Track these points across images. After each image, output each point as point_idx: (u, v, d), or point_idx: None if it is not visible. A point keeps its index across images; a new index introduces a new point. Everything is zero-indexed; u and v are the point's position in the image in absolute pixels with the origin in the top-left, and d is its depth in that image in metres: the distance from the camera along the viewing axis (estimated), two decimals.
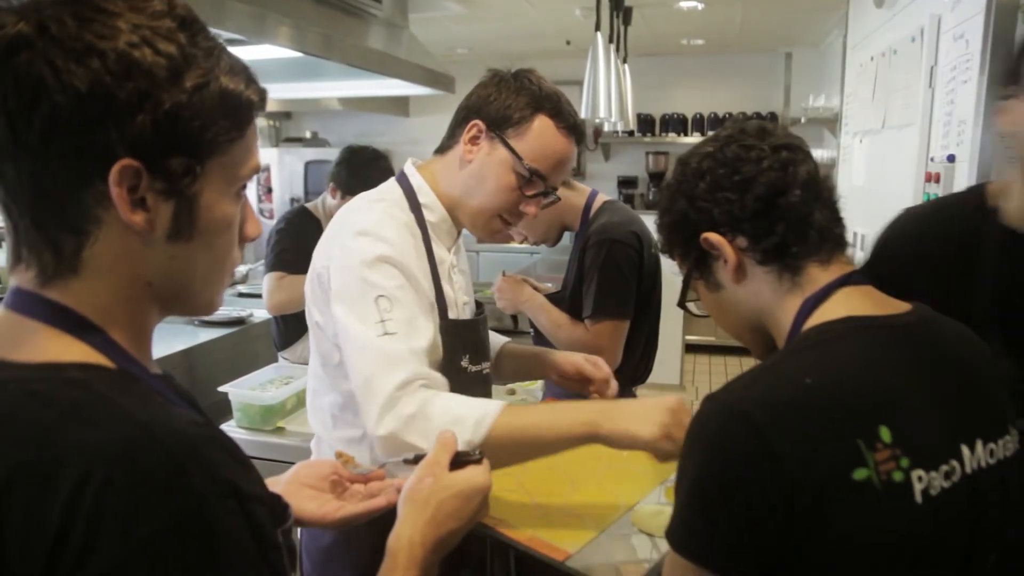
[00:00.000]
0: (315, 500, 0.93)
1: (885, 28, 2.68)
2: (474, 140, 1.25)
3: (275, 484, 0.92)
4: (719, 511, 0.71)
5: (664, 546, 0.84)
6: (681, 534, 0.74)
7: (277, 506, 0.68)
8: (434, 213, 1.28)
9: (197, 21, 0.62)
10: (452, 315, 1.27)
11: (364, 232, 1.16)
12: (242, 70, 0.64)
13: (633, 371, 1.91)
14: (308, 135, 6.53)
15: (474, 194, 1.27)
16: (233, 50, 2.18)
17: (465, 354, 1.28)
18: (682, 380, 5.21)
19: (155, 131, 0.57)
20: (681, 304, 1.02)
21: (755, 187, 0.86)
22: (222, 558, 0.54)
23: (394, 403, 1.04)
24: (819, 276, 0.86)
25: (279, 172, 5.96)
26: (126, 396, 0.57)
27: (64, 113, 0.55)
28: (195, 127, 0.60)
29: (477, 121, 1.25)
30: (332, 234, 1.22)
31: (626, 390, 1.98)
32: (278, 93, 3.86)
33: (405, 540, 0.78)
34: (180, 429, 0.56)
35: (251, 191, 5.88)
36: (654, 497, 1.23)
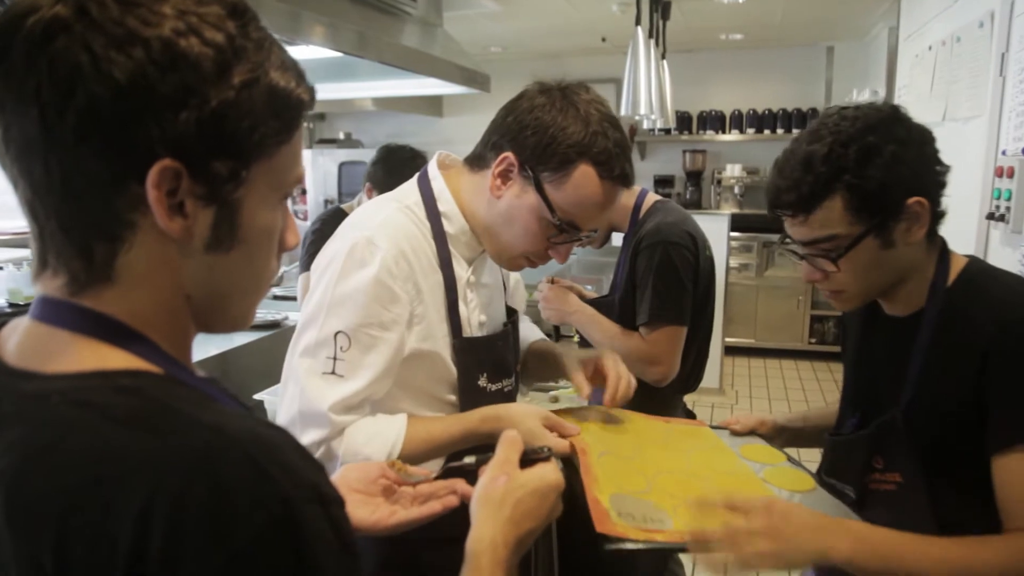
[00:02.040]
0: (366, 505, 0.89)
1: (946, 15, 2.56)
2: (504, 176, 1.11)
3: None
4: None
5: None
6: None
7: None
8: (453, 224, 1.17)
9: (248, 9, 0.56)
10: (466, 333, 1.18)
11: (359, 241, 1.08)
12: (292, 65, 0.59)
13: (684, 380, 1.82)
14: (342, 136, 6.55)
15: (500, 232, 1.15)
16: None
17: (482, 372, 1.20)
18: (722, 383, 5.08)
19: (199, 130, 0.52)
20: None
21: (940, 163, 1.04)
22: (313, 564, 0.50)
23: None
24: (938, 239, 1.09)
25: (313, 173, 5.98)
26: (184, 401, 0.53)
27: (101, 106, 0.50)
28: (243, 127, 0.54)
29: (509, 154, 1.10)
30: (337, 234, 1.15)
31: (676, 399, 1.90)
32: None
33: (488, 542, 0.75)
34: (255, 431, 0.52)
35: None
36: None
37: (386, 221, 1.11)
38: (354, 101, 5.64)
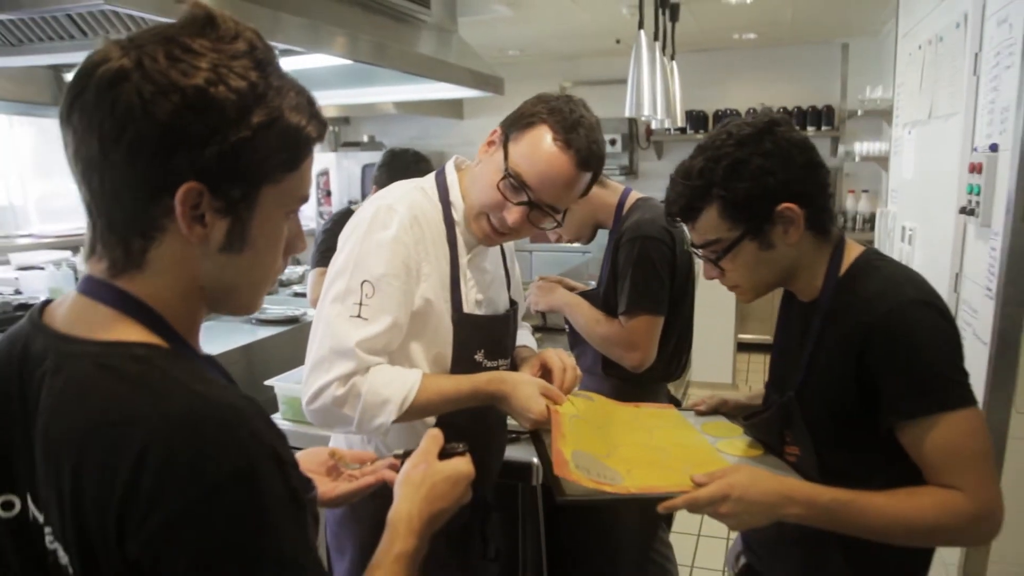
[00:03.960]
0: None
1: (934, 15, 2.63)
2: (491, 143, 1.31)
3: None
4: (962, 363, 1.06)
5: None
6: (960, 392, 1.04)
7: (303, 477, 0.77)
8: (458, 212, 1.35)
9: (273, 61, 0.70)
10: (466, 310, 1.34)
11: (381, 207, 1.27)
12: (307, 105, 0.72)
13: (665, 367, 1.94)
14: (365, 139, 6.71)
15: (471, 191, 1.33)
16: (288, 60, 2.32)
17: (479, 349, 1.36)
18: (735, 379, 5.17)
19: (220, 161, 0.66)
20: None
21: (821, 169, 1.15)
22: (267, 511, 0.63)
23: (327, 386, 1.21)
24: (833, 235, 1.19)
25: (337, 176, 6.15)
26: (182, 372, 0.67)
27: (147, 139, 0.64)
28: (255, 160, 0.68)
29: (498, 128, 1.31)
30: (364, 205, 1.33)
31: (659, 386, 2.02)
32: (336, 99, 3.99)
33: (404, 513, 0.89)
34: (230, 400, 0.66)
35: (310, 195, 6.10)
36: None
37: (404, 195, 1.31)
38: (376, 105, 5.78)
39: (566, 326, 2.03)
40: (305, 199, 0.76)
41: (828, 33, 5.65)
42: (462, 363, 1.34)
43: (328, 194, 6.03)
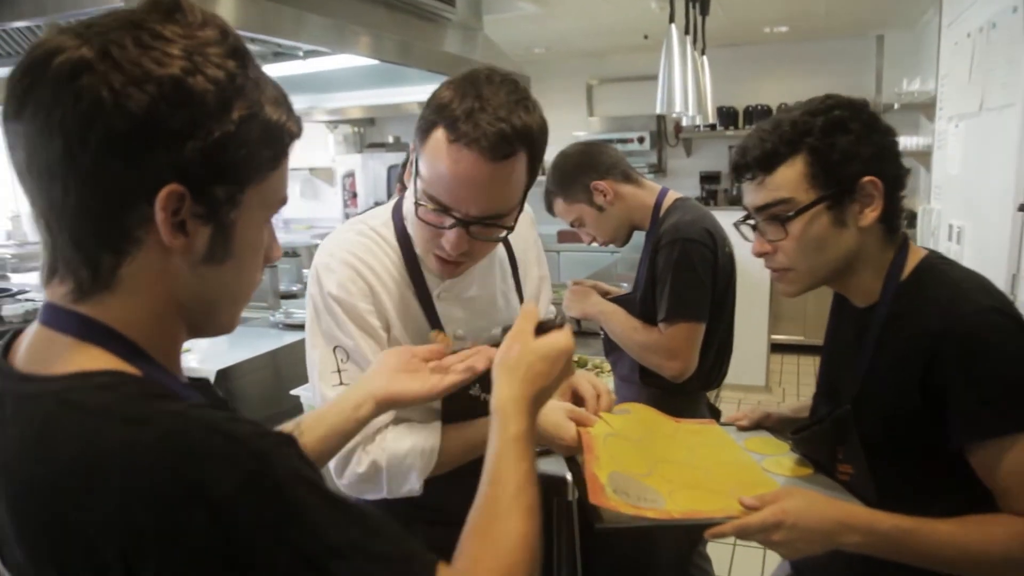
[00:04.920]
0: (416, 379, 1.00)
1: (982, 0, 2.52)
2: (407, 166, 1.14)
3: (361, 383, 1.01)
4: None
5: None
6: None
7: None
8: (416, 244, 1.18)
9: (247, 52, 0.63)
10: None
11: (318, 266, 1.16)
12: (284, 100, 0.66)
13: (706, 376, 1.86)
14: (390, 140, 6.69)
15: (409, 228, 1.17)
16: (314, 61, 2.27)
17: (474, 383, 1.16)
18: (768, 381, 5.04)
19: (203, 158, 0.59)
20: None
21: (902, 164, 1.09)
22: (296, 497, 0.56)
23: (347, 461, 1.12)
24: (898, 236, 1.11)
25: (363, 177, 6.13)
26: (155, 398, 0.59)
27: (119, 136, 0.56)
28: (240, 157, 0.61)
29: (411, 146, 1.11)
30: (317, 253, 1.20)
31: (698, 395, 1.93)
32: (361, 100, 3.98)
33: (507, 398, 0.85)
34: (214, 414, 0.58)
35: (336, 197, 6.09)
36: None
37: (339, 245, 1.17)
38: (402, 105, 5.73)
39: (601, 331, 1.96)
40: (285, 201, 0.70)
41: (862, 25, 5.50)
42: (456, 401, 1.15)
43: (354, 196, 6.02)
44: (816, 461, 1.18)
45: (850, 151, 1.04)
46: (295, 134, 0.67)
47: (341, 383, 1.14)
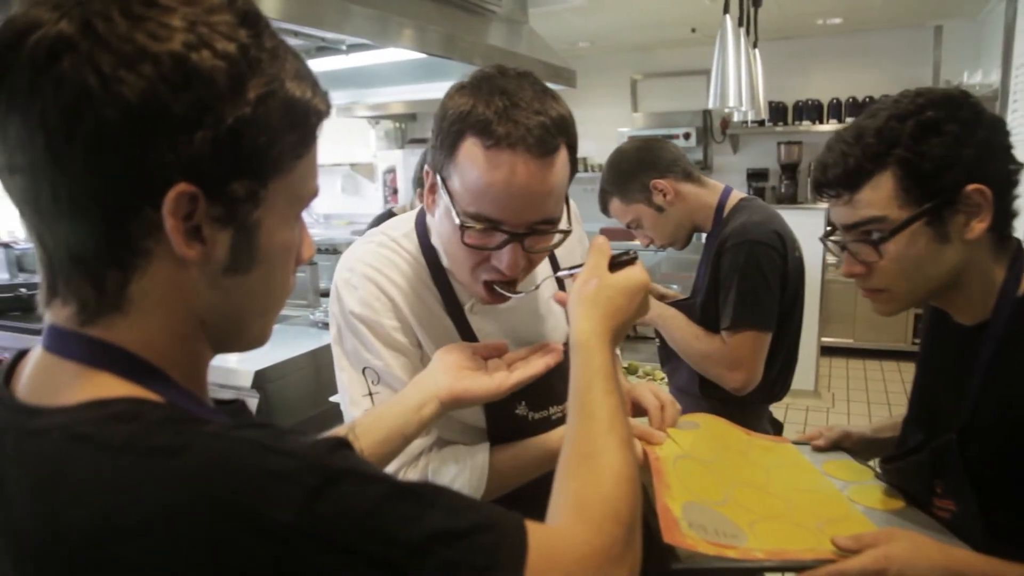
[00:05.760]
0: (482, 376, 0.95)
1: None
2: (432, 189, 0.99)
3: (423, 381, 0.95)
4: None
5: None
6: None
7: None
8: (443, 257, 1.07)
9: (261, 17, 0.54)
10: None
11: (339, 283, 1.07)
12: (308, 74, 0.57)
13: (770, 388, 1.74)
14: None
15: (445, 253, 1.04)
16: (358, 54, 2.18)
17: (519, 401, 1.11)
18: (817, 386, 4.87)
19: (216, 151, 0.49)
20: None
21: (1012, 159, 0.95)
22: (368, 505, 0.49)
23: None
24: (1012, 243, 0.98)
25: (404, 173, 6.11)
26: (185, 423, 0.50)
27: (111, 129, 0.47)
28: (260, 145, 0.52)
29: (427, 168, 0.98)
30: (337, 269, 1.12)
31: (761, 409, 1.82)
32: (403, 96, 3.94)
33: (588, 331, 0.80)
34: (253, 433, 0.50)
35: (377, 193, 6.07)
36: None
37: (359, 259, 1.07)
38: None
39: (656, 338, 1.86)
40: (315, 194, 0.60)
41: (920, 16, 5.29)
42: (501, 422, 1.09)
43: (395, 191, 6.00)
44: (907, 493, 1.07)
45: (947, 158, 0.91)
46: (323, 113, 0.58)
47: (374, 405, 1.05)
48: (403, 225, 1.12)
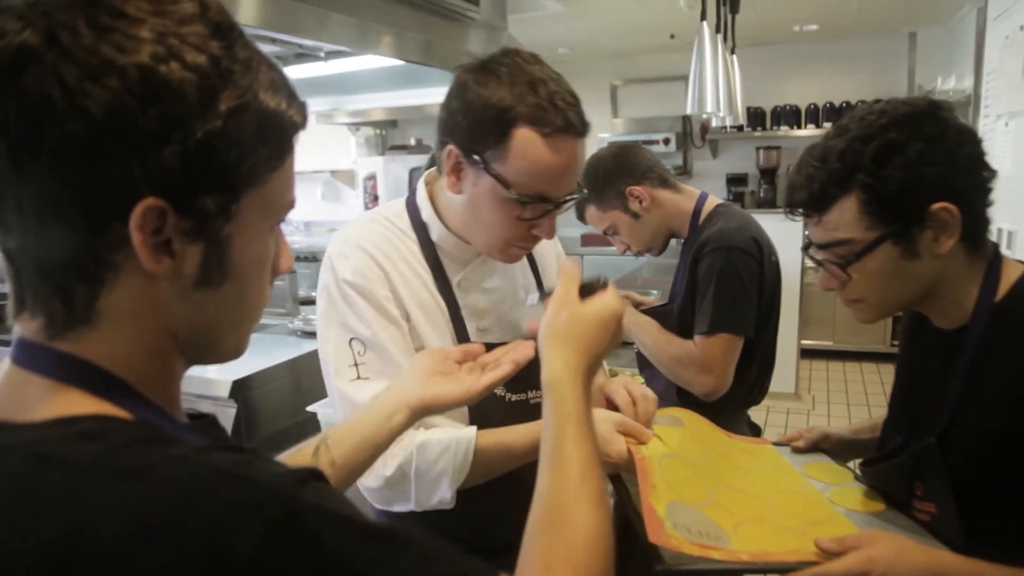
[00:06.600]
0: (453, 382, 0.93)
1: None
2: (456, 170, 1.06)
3: (393, 390, 0.93)
4: None
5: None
6: None
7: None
8: (435, 232, 1.15)
9: (234, 27, 0.53)
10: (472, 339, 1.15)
11: (333, 255, 1.11)
12: (283, 84, 0.56)
13: (748, 392, 1.75)
14: (412, 142, 6.64)
15: (475, 227, 1.10)
16: (336, 61, 2.17)
17: None
18: (797, 388, 4.90)
19: (185, 165, 0.49)
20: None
21: (986, 167, 0.95)
22: (334, 541, 0.47)
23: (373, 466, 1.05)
24: (987, 249, 0.99)
25: (384, 179, 6.09)
26: (150, 444, 0.49)
27: (76, 142, 0.46)
28: (231, 158, 0.51)
29: (452, 147, 1.04)
30: (330, 244, 1.16)
31: (739, 414, 1.82)
32: (383, 102, 3.94)
33: (560, 371, 0.77)
34: (220, 457, 0.49)
35: (358, 199, 6.05)
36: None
37: (353, 234, 1.13)
38: (424, 107, 5.68)
39: (633, 344, 1.86)
40: (292, 206, 0.59)
41: (894, 23, 5.38)
42: (486, 403, 1.09)
43: (376, 198, 5.97)
44: (887, 495, 1.08)
45: (909, 181, 0.91)
46: (299, 124, 0.57)
47: (359, 377, 1.07)
48: (394, 207, 1.19)
